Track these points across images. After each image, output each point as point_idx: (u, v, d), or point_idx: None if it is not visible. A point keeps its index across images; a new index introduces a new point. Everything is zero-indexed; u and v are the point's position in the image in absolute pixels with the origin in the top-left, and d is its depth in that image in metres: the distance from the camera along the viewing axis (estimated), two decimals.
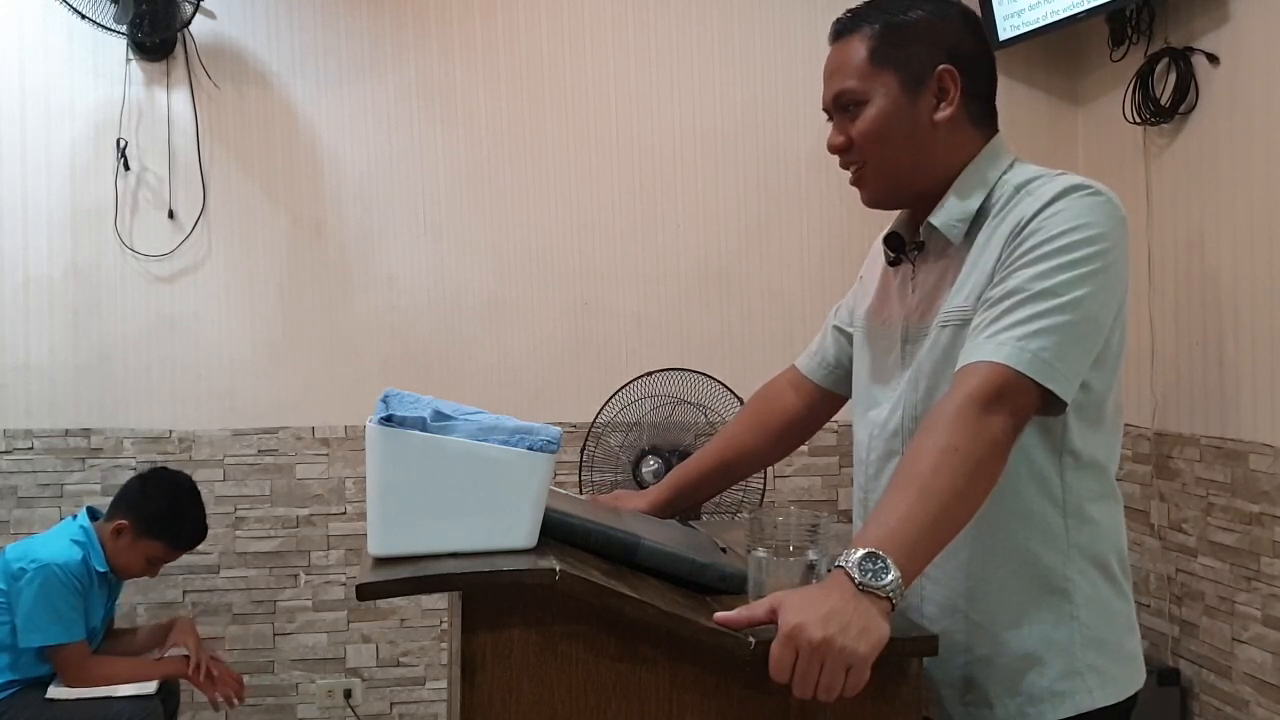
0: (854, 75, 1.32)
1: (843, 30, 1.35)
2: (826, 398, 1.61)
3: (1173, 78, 2.79)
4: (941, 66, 1.30)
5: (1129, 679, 1.31)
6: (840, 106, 1.35)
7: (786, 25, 3.32)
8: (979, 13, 2.91)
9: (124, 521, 2.55)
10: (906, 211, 1.42)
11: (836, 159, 1.38)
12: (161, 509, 2.59)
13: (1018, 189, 1.29)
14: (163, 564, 2.67)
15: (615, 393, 2.96)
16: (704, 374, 2.99)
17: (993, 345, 1.19)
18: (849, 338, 1.55)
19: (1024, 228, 1.24)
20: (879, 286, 1.46)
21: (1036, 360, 1.17)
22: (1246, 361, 2.60)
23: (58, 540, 2.51)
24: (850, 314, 1.55)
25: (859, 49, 1.32)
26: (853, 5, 1.39)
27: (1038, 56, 3.27)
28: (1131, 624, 1.34)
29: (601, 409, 2.95)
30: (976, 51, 1.34)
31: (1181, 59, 2.76)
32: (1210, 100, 2.72)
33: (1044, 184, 1.27)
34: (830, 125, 1.38)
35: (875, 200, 1.39)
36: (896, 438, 1.34)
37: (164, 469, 2.79)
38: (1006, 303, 1.21)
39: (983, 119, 1.36)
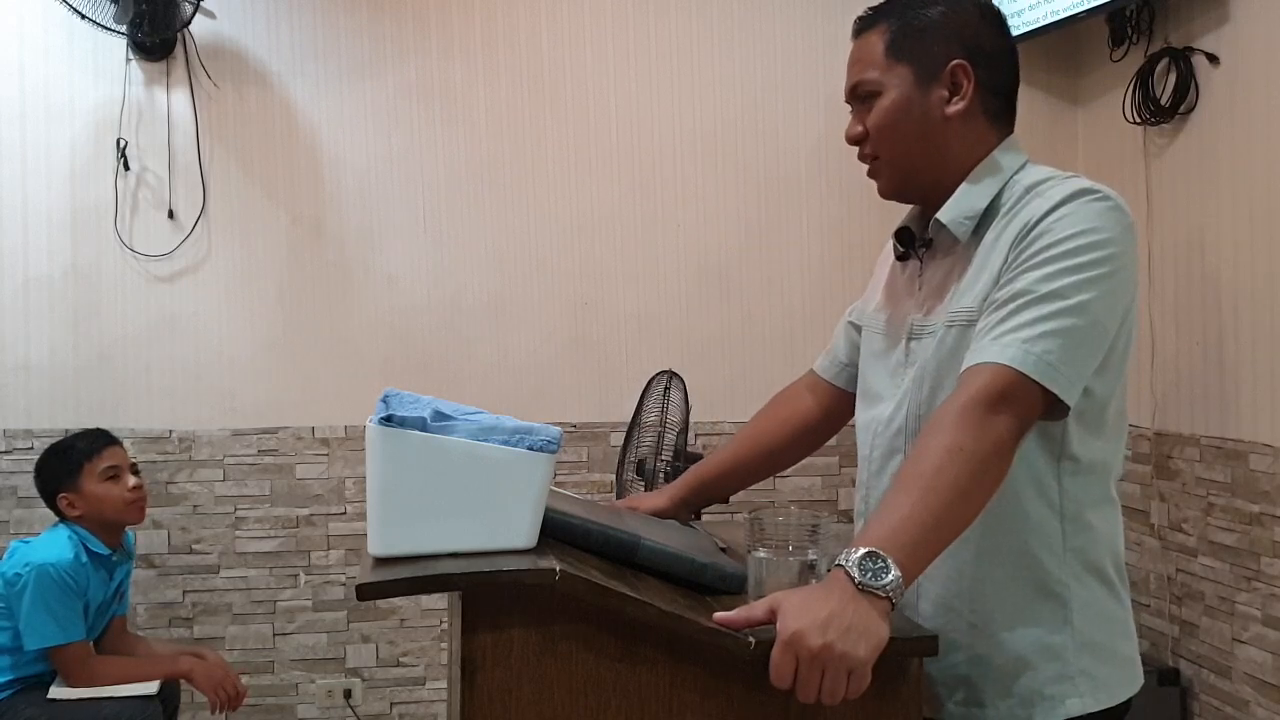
0: (871, 67, 1.34)
1: (864, 25, 1.38)
2: (843, 398, 1.58)
3: (1173, 78, 2.79)
4: (955, 61, 1.31)
5: (1123, 684, 1.31)
6: (858, 97, 1.37)
7: (787, 25, 3.31)
8: None
9: (60, 499, 2.53)
10: (917, 207, 1.43)
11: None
12: (50, 464, 2.58)
13: (1028, 190, 1.29)
14: (118, 478, 2.57)
15: (644, 390, 2.92)
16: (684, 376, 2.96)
17: (998, 347, 1.19)
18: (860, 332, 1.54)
19: (1031, 230, 1.24)
20: (887, 282, 1.46)
21: (1041, 363, 1.17)
22: (1246, 361, 2.60)
23: (49, 542, 2.51)
24: (862, 308, 1.55)
25: (877, 43, 1.34)
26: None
27: (1038, 56, 3.26)
28: (1128, 629, 1.33)
29: (640, 407, 2.91)
30: (996, 47, 1.34)
31: (1181, 59, 2.76)
32: (1210, 100, 2.71)
33: (1053, 186, 1.27)
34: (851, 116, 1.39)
35: (889, 193, 1.40)
36: (900, 436, 1.34)
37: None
38: (1012, 304, 1.21)
39: (1000, 116, 1.36)
